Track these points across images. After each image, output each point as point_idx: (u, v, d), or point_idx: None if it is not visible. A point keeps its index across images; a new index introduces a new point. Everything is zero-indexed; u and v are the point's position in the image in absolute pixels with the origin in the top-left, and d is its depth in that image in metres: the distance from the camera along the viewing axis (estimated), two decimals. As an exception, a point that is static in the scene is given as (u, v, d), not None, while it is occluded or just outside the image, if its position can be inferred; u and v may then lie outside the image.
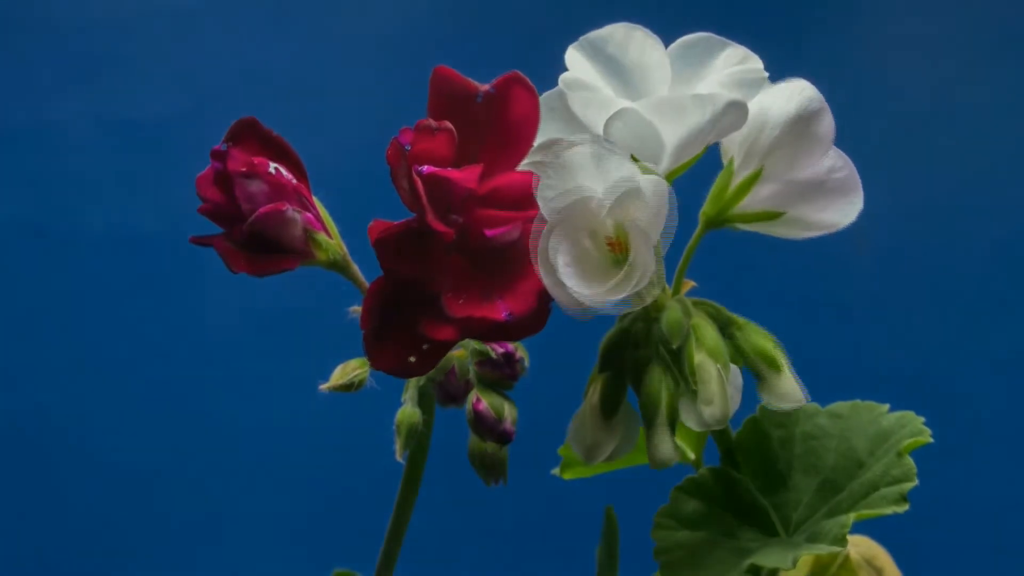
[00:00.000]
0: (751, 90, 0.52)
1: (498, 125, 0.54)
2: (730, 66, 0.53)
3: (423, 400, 0.60)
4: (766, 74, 0.53)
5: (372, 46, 1.38)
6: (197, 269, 1.28)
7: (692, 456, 0.70)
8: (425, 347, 0.51)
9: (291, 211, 0.55)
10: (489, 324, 0.50)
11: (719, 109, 0.50)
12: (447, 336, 0.51)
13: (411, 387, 0.59)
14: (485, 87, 0.54)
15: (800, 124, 0.53)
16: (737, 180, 0.54)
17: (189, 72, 1.39)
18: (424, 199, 0.51)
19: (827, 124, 0.54)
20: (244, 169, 0.55)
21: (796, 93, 0.53)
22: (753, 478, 0.59)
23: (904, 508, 0.55)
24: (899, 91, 1.33)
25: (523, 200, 0.52)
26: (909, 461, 0.56)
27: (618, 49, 0.54)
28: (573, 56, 0.54)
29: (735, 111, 0.51)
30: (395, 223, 0.52)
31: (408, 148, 0.51)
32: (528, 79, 0.54)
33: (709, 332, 0.53)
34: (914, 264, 1.30)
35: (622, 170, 0.49)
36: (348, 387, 0.58)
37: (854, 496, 0.57)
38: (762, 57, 0.54)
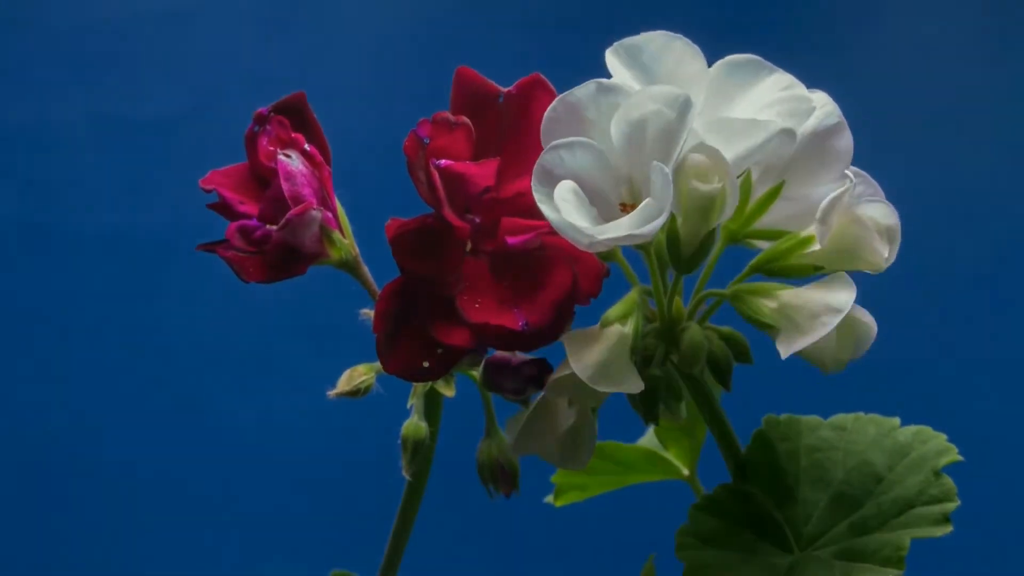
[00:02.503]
0: (801, 119, 0.52)
1: (519, 127, 0.53)
2: (776, 92, 0.52)
3: (429, 409, 0.59)
4: (814, 104, 0.52)
5: (374, 46, 1.38)
6: (198, 269, 1.28)
7: (686, 472, 0.69)
8: (439, 351, 0.51)
9: (314, 211, 0.55)
10: (505, 332, 0.50)
11: (771, 135, 0.50)
12: (461, 341, 0.50)
13: (417, 394, 0.59)
14: (507, 89, 0.54)
15: (818, 139, 0.53)
16: (756, 195, 0.53)
17: (189, 72, 1.39)
18: (441, 191, 0.51)
19: (846, 140, 0.53)
20: (278, 147, 0.55)
21: (816, 108, 0.53)
22: (763, 492, 0.59)
23: (948, 529, 0.55)
24: (900, 92, 1.33)
25: None
26: (948, 481, 0.56)
27: (652, 58, 0.52)
28: (610, 60, 0.53)
29: (785, 138, 0.50)
30: (411, 219, 0.52)
31: (427, 141, 0.51)
32: (548, 81, 0.54)
33: (762, 285, 0.53)
34: (917, 265, 1.30)
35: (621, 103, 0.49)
36: (355, 393, 0.57)
37: (884, 513, 0.56)
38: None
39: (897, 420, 0.60)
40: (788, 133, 0.50)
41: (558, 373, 0.52)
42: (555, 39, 1.33)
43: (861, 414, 0.61)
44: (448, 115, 0.52)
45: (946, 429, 0.59)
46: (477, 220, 0.52)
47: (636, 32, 0.53)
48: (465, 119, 0.52)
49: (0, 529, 1.32)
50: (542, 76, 0.54)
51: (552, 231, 0.51)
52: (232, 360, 1.35)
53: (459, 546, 1.28)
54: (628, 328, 0.52)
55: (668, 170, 0.48)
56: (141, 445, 1.33)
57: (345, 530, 1.26)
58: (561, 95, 0.51)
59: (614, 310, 0.52)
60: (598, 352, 0.51)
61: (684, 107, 0.49)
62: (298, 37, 1.39)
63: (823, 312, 0.50)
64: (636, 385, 0.51)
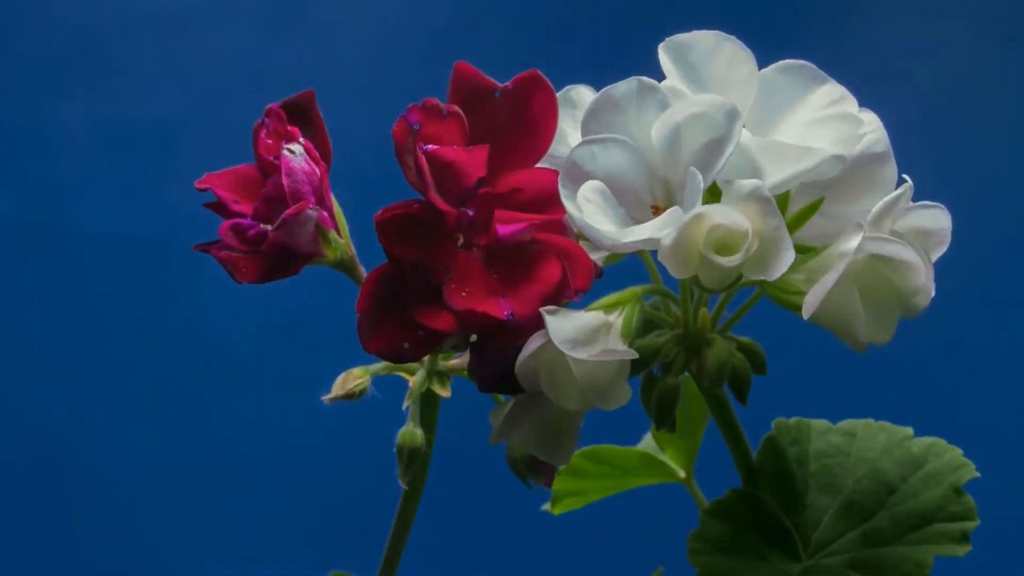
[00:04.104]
0: (850, 145, 0.51)
1: (516, 123, 0.53)
2: (826, 106, 0.52)
3: (426, 410, 0.59)
4: (864, 132, 0.51)
5: (373, 45, 1.38)
6: (197, 269, 1.27)
7: (682, 475, 0.69)
8: (420, 333, 0.51)
9: (310, 210, 0.54)
10: (489, 321, 0.50)
11: (822, 161, 0.49)
12: (444, 326, 0.50)
13: (413, 396, 0.59)
14: (504, 85, 0.53)
15: (862, 163, 0.52)
16: (794, 208, 0.52)
17: (189, 72, 1.38)
18: (427, 174, 0.50)
19: (890, 169, 0.52)
20: (275, 140, 0.55)
21: (866, 133, 0.52)
22: (772, 497, 0.58)
23: (968, 548, 0.54)
24: (900, 92, 1.33)
25: (541, 201, 0.52)
26: (969, 499, 0.55)
27: (701, 58, 0.52)
28: (661, 55, 0.52)
29: (834, 163, 0.49)
30: (397, 203, 0.52)
31: (416, 127, 0.51)
32: (546, 78, 0.53)
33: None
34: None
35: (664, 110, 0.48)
36: (350, 396, 0.57)
37: (899, 526, 0.56)
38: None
39: (910, 430, 0.59)
40: (839, 159, 0.49)
41: (528, 349, 0.50)
42: (556, 40, 1.33)
43: (871, 420, 0.60)
44: (438, 102, 0.52)
45: (947, 434, 0.59)
46: (470, 213, 0.51)
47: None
48: (457, 109, 0.52)
49: (-1, 529, 1.32)
50: (540, 73, 0.54)
51: (544, 225, 0.51)
52: (231, 360, 1.35)
53: (458, 549, 1.27)
54: (613, 317, 0.50)
55: (701, 180, 0.47)
56: (140, 446, 1.33)
57: (344, 531, 1.26)
58: (603, 89, 0.50)
59: (600, 300, 0.51)
60: (578, 326, 0.49)
61: (733, 118, 0.48)
62: (299, 37, 1.39)
63: (836, 260, 0.49)
64: (620, 352, 0.49)
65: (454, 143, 0.52)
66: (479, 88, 0.54)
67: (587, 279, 0.51)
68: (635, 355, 0.50)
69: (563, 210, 0.52)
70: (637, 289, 0.52)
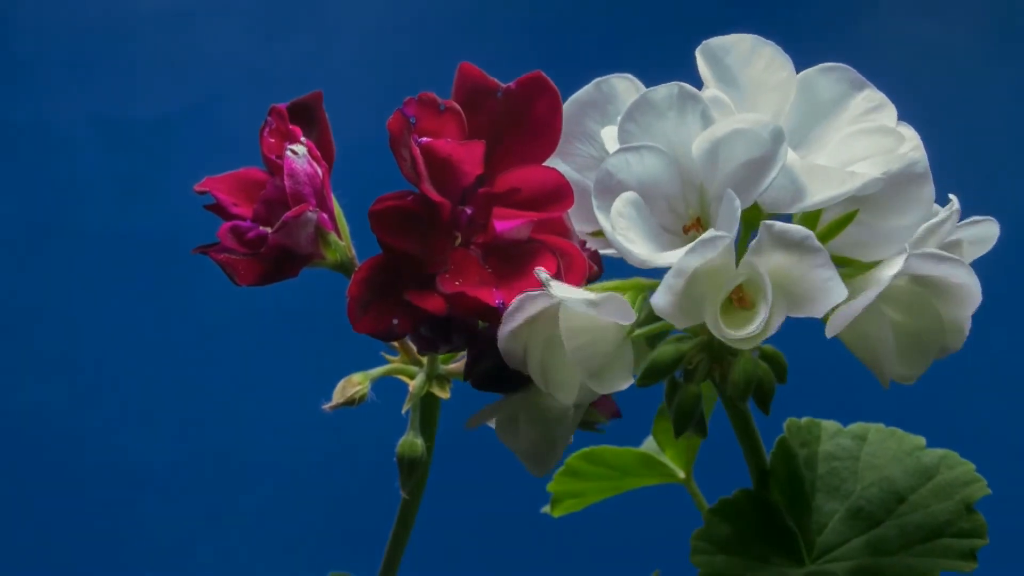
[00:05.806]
0: (890, 164, 0.50)
1: (519, 123, 0.53)
2: (865, 113, 0.51)
3: (426, 413, 0.59)
4: (905, 150, 0.50)
5: (375, 46, 1.38)
6: (197, 269, 1.27)
7: (682, 475, 0.69)
8: (408, 310, 0.51)
9: (310, 212, 0.54)
10: (479, 305, 0.50)
11: (865, 184, 0.48)
12: (434, 307, 0.50)
13: (413, 399, 0.59)
14: (507, 85, 0.53)
15: (901, 181, 0.50)
16: (828, 217, 0.51)
17: (189, 72, 1.38)
18: (421, 165, 0.50)
19: (928, 191, 0.51)
20: (278, 139, 0.55)
21: (906, 151, 0.51)
22: (781, 499, 0.58)
23: (974, 566, 0.54)
24: (901, 92, 1.33)
25: (539, 199, 0.52)
26: (980, 517, 0.55)
27: (738, 62, 0.51)
28: (698, 58, 0.51)
29: (875, 184, 0.49)
30: (391, 193, 0.52)
31: (413, 120, 0.51)
32: (550, 79, 0.53)
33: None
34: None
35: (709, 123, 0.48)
36: (350, 403, 0.57)
37: (908, 537, 0.56)
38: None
39: (922, 439, 0.59)
40: (879, 181, 0.49)
41: (516, 318, 0.49)
42: (558, 41, 1.33)
43: (881, 426, 0.60)
44: (435, 96, 0.52)
45: (957, 446, 0.58)
46: (469, 212, 0.52)
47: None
48: (454, 104, 0.52)
49: (-1, 528, 1.32)
50: (543, 75, 0.54)
51: (543, 223, 0.51)
52: (233, 360, 1.35)
53: (458, 550, 1.27)
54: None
55: (739, 203, 0.46)
56: (140, 445, 1.33)
57: (344, 531, 1.26)
58: (643, 92, 0.50)
59: (599, 284, 0.51)
60: (575, 296, 0.49)
61: (778, 139, 0.47)
62: (298, 37, 1.39)
63: (871, 286, 0.47)
64: (623, 313, 0.48)
65: (451, 138, 0.52)
66: (482, 88, 0.54)
67: (581, 277, 0.52)
68: (633, 317, 0.49)
69: (562, 208, 0.52)
70: (644, 281, 0.51)
